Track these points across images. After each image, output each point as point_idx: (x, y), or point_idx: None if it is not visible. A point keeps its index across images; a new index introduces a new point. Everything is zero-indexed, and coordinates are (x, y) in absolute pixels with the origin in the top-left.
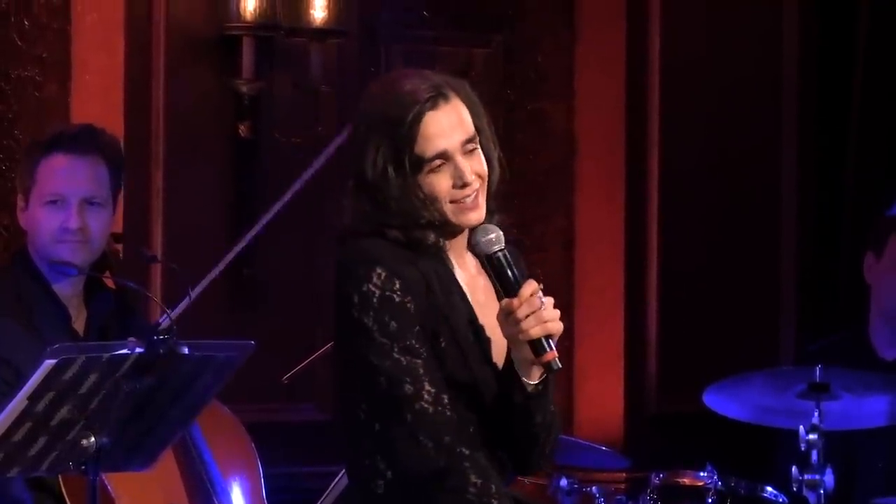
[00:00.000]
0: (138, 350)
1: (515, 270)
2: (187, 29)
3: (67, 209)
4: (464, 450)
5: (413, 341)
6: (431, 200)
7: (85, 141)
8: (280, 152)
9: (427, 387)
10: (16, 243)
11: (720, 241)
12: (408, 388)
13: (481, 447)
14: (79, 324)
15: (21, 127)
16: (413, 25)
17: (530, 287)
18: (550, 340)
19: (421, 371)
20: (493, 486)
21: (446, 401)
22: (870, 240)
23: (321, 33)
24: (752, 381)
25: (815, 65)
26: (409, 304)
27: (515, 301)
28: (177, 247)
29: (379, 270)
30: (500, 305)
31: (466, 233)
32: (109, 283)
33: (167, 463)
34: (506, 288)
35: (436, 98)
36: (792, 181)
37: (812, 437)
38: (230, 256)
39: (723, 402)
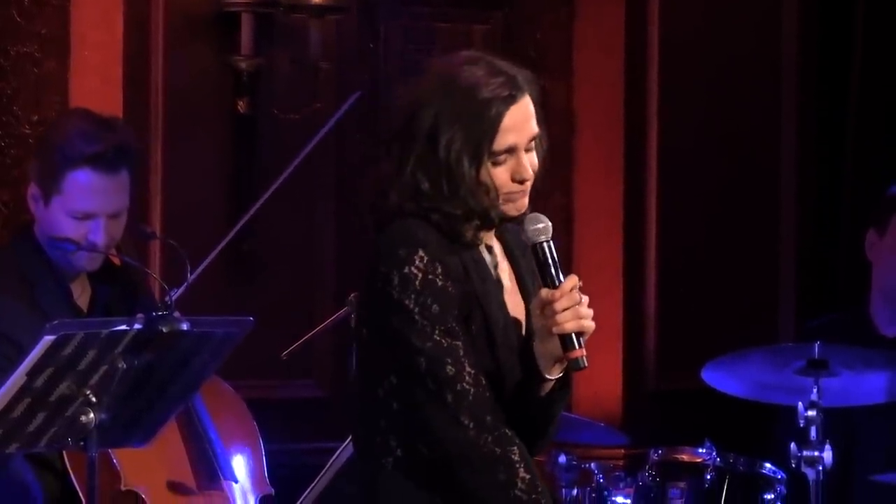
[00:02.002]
0: (137, 326)
1: (558, 263)
2: (186, 5)
3: (95, 223)
4: (506, 431)
5: (453, 324)
6: (487, 190)
7: (117, 160)
8: (279, 128)
9: (468, 368)
10: (15, 220)
11: (719, 218)
12: (449, 369)
13: None
14: (82, 300)
15: (20, 104)
16: (412, 2)
17: (572, 281)
18: (581, 338)
19: (461, 353)
20: (538, 483)
21: (485, 382)
22: (872, 217)
23: (320, 9)
24: (751, 357)
25: (814, 42)
26: (450, 289)
27: (557, 293)
28: (176, 223)
29: (422, 254)
30: (539, 295)
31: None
32: (115, 260)
33: (171, 438)
34: (546, 278)
35: (515, 94)
36: (791, 158)
37: (811, 413)
38: (233, 232)
39: (722, 378)
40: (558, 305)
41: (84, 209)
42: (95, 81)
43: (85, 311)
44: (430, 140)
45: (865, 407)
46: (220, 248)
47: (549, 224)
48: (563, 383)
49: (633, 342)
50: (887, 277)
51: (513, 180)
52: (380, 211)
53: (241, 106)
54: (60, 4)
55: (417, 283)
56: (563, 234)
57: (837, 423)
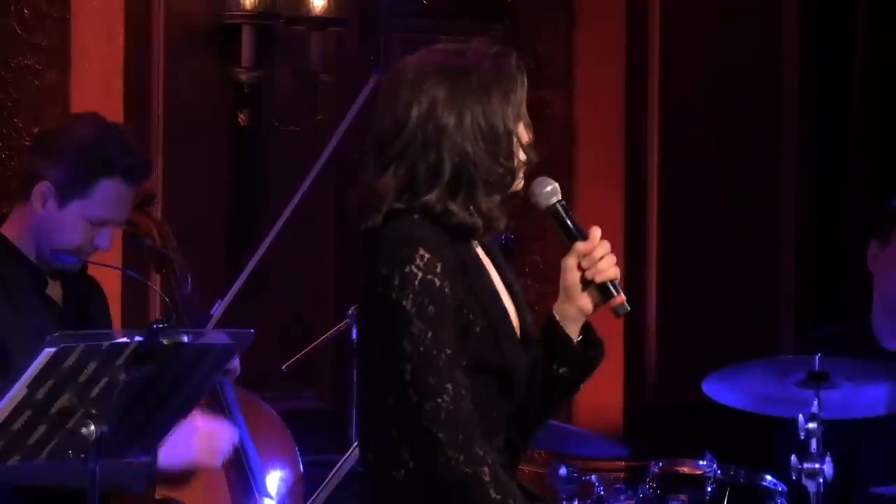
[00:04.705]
0: (137, 338)
1: (575, 218)
2: (187, 17)
3: (106, 230)
4: (478, 450)
5: (446, 332)
6: (520, 146)
7: (145, 175)
8: (280, 141)
9: (447, 382)
10: None
11: (720, 230)
12: (431, 379)
13: (501, 430)
14: (54, 293)
15: (21, 116)
16: (413, 14)
17: (598, 231)
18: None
19: (444, 364)
20: (511, 499)
21: (465, 394)
22: (875, 228)
23: (321, 22)
24: (752, 369)
25: (815, 53)
26: (447, 289)
27: (591, 243)
28: (177, 235)
29: (422, 252)
30: (574, 248)
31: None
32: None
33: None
34: (570, 235)
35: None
36: (792, 169)
37: (811, 425)
38: (257, 256)
39: (722, 390)
40: (597, 254)
41: (106, 217)
42: (96, 93)
43: (60, 303)
44: (489, 112)
45: (866, 419)
46: (247, 271)
47: (556, 184)
48: (590, 342)
49: (633, 354)
50: (889, 289)
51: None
52: (370, 215)
53: (243, 118)
54: (61, 16)
55: (417, 283)
56: (563, 246)
57: (838, 435)
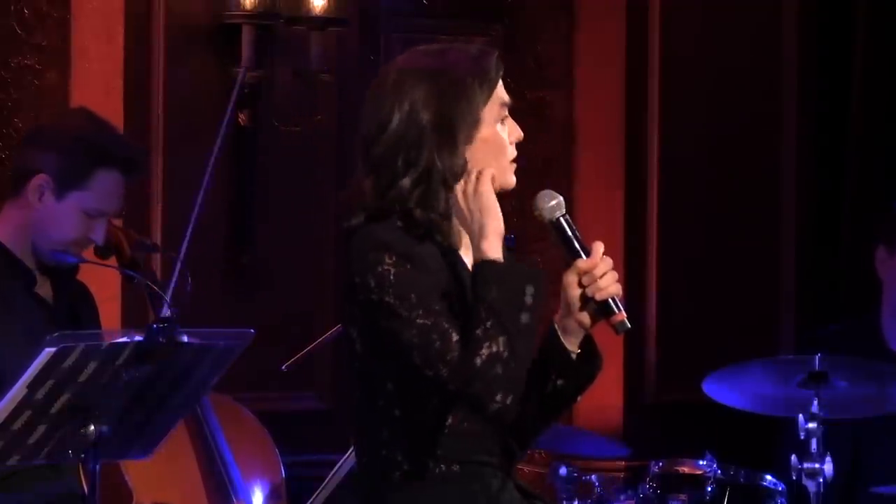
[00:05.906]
0: (137, 338)
1: (579, 233)
2: (187, 17)
3: (101, 223)
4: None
5: (434, 304)
6: (503, 149)
7: (141, 167)
8: (280, 141)
9: (453, 339)
10: None
11: (720, 230)
12: (438, 345)
13: (497, 435)
14: (44, 291)
15: (21, 116)
16: (413, 14)
17: (600, 247)
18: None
19: (445, 325)
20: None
21: (458, 336)
22: (883, 233)
23: (321, 21)
24: (752, 369)
25: (815, 53)
26: (423, 275)
27: (593, 261)
28: (176, 235)
29: (390, 254)
30: (575, 266)
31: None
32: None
33: (186, 457)
34: (573, 250)
35: (486, 49)
36: (791, 169)
37: (811, 425)
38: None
39: (722, 390)
40: (598, 272)
41: (102, 208)
42: (96, 93)
43: (51, 302)
44: (464, 108)
45: (867, 419)
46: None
47: (561, 198)
48: (589, 356)
49: (633, 354)
50: None
51: (509, 143)
52: (352, 215)
53: (243, 118)
54: (61, 16)
55: (392, 277)
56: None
57: (839, 435)
